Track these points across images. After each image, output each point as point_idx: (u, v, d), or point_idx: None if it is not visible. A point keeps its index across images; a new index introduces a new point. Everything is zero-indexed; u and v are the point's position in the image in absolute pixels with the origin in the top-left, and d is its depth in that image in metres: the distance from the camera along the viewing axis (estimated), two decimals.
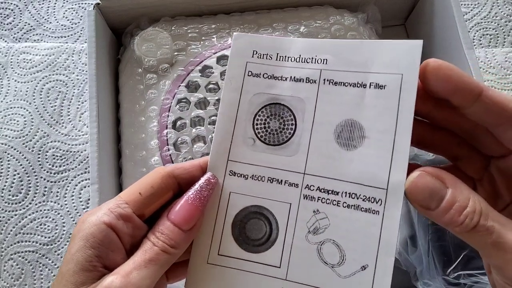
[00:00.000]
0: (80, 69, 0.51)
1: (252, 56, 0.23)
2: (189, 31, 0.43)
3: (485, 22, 0.53)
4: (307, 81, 0.22)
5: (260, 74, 0.23)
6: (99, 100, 0.39)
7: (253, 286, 0.22)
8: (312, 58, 0.22)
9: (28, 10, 0.54)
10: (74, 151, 0.48)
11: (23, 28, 0.54)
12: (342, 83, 0.22)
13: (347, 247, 0.21)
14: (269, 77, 0.23)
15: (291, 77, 0.23)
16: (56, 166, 0.47)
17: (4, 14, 0.54)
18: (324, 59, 0.22)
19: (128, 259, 0.21)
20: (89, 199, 0.44)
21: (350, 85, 0.22)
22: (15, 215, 0.46)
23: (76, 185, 0.47)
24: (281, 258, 0.22)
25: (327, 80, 0.22)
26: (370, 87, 0.22)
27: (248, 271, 0.22)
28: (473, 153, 0.23)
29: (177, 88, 0.40)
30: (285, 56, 0.23)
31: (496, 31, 0.53)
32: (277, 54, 0.23)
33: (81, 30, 0.53)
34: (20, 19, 0.54)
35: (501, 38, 0.53)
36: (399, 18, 0.52)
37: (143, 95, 0.41)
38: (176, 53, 0.42)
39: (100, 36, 0.42)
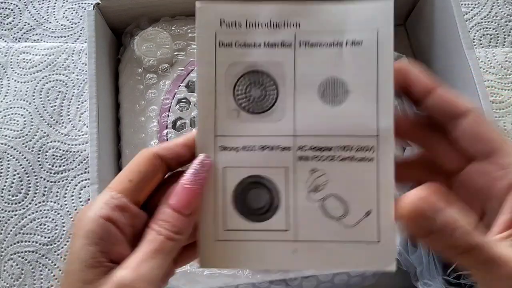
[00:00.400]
0: (80, 69, 0.51)
1: (220, 26, 0.23)
2: (189, 31, 0.43)
3: (485, 22, 0.53)
4: (282, 45, 0.22)
5: (231, 43, 0.23)
6: (99, 100, 0.39)
7: (266, 253, 0.22)
8: (284, 22, 0.22)
9: (28, 10, 0.54)
10: (74, 151, 0.48)
11: (23, 28, 0.54)
12: (319, 44, 0.22)
13: (349, 198, 0.22)
14: (242, 45, 0.22)
15: (264, 42, 0.22)
16: (56, 166, 0.47)
17: (4, 14, 0.54)
18: (296, 23, 0.22)
19: (132, 249, 0.21)
20: (89, 199, 0.44)
21: (327, 45, 0.22)
22: (15, 215, 0.46)
23: (76, 185, 0.47)
24: (287, 221, 0.22)
25: (303, 43, 0.22)
26: (346, 45, 0.22)
27: (258, 240, 0.22)
28: (435, 174, 0.23)
29: (177, 88, 0.40)
30: (255, 22, 0.22)
31: (496, 31, 0.53)
32: (246, 20, 0.22)
33: (81, 30, 0.53)
34: (20, 19, 0.54)
35: (501, 38, 0.53)
36: (399, 18, 0.52)
37: (143, 95, 0.41)
38: (176, 53, 0.42)
39: (100, 36, 0.42)
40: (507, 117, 0.49)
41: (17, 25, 0.54)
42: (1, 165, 0.47)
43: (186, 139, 0.23)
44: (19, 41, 0.53)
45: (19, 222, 0.45)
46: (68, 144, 0.48)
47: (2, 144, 0.48)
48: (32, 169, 0.47)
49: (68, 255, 0.21)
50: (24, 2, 0.55)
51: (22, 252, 0.44)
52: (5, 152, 0.48)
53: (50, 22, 0.54)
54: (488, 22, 0.53)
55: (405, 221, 0.20)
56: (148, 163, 0.22)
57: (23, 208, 0.46)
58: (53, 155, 0.48)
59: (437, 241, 0.19)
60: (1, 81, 0.51)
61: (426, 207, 0.19)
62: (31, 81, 0.51)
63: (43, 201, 0.46)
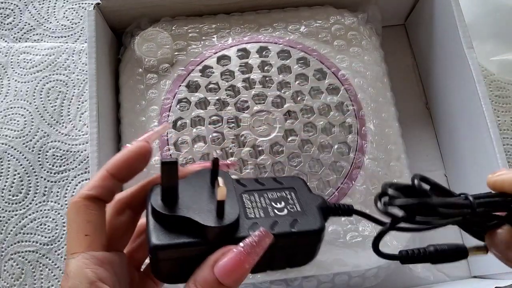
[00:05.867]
0: (80, 69, 0.51)
1: None
2: (189, 31, 0.43)
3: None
4: None
5: None
6: (99, 100, 0.39)
7: None
8: None
9: (28, 10, 0.54)
10: (74, 151, 0.48)
11: (23, 28, 0.54)
12: None
13: None
14: None
15: None
16: (56, 166, 0.47)
17: (4, 14, 0.54)
18: None
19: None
20: None
21: None
22: (15, 215, 0.46)
23: (77, 185, 0.47)
24: None
25: None
26: None
27: None
28: None
29: (178, 88, 0.40)
30: None
31: None
32: None
33: (81, 30, 0.53)
34: (20, 19, 0.54)
35: None
36: (399, 18, 0.52)
37: (143, 95, 0.41)
38: (176, 53, 0.42)
39: (100, 36, 0.42)
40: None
41: (18, 25, 0.54)
42: (2, 165, 0.47)
43: (107, 168, 0.22)
44: (19, 41, 0.53)
45: (20, 222, 0.45)
46: (69, 144, 0.48)
47: (2, 144, 0.48)
48: (33, 169, 0.47)
49: None
50: (25, 2, 0.55)
51: (22, 252, 0.44)
52: (6, 152, 0.48)
53: (50, 22, 0.54)
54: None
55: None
56: (88, 211, 0.22)
57: (24, 208, 0.46)
58: (54, 155, 0.48)
59: None
60: (2, 81, 0.51)
61: None
62: (32, 81, 0.51)
63: (44, 201, 0.46)
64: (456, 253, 0.23)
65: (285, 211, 0.24)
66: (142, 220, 0.25)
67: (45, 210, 0.46)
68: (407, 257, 0.23)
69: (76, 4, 0.55)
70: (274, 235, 0.21)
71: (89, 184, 0.22)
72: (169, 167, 0.21)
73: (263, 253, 0.21)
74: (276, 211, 0.24)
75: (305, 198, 0.25)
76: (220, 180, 0.22)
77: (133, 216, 0.24)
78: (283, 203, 0.24)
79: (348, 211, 0.26)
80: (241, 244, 0.20)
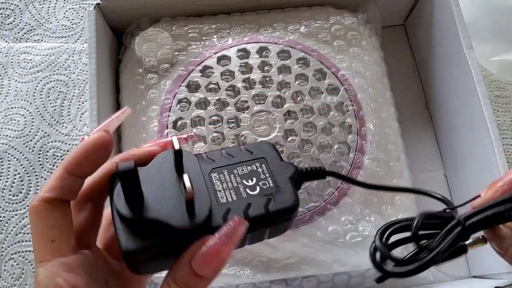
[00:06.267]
0: (80, 69, 0.51)
1: None
2: (189, 31, 0.43)
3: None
4: None
5: None
6: (99, 100, 0.39)
7: None
8: None
9: (28, 10, 0.54)
10: None
11: (23, 28, 0.54)
12: None
13: None
14: None
15: None
16: (57, 166, 0.47)
17: (5, 14, 0.54)
18: None
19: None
20: None
21: None
22: (16, 215, 0.46)
23: None
24: None
25: None
26: None
27: None
28: None
29: (178, 88, 0.40)
30: None
31: None
32: None
33: (81, 30, 0.53)
34: (21, 19, 0.54)
35: None
36: (399, 18, 0.52)
37: (143, 95, 0.41)
38: (176, 53, 0.42)
39: (101, 36, 0.42)
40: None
41: (18, 25, 0.54)
42: (2, 165, 0.47)
43: (64, 165, 0.21)
44: (20, 41, 0.53)
45: (20, 221, 0.45)
46: (69, 144, 0.48)
47: (3, 144, 0.48)
48: (33, 169, 0.47)
49: None
50: (25, 3, 0.55)
51: (23, 251, 0.44)
52: (6, 152, 0.48)
53: (50, 23, 0.54)
54: None
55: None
56: (50, 214, 0.20)
57: (24, 208, 0.46)
58: (54, 155, 0.48)
59: None
60: (2, 81, 0.51)
61: None
62: (32, 81, 0.51)
63: None
64: (456, 250, 0.23)
65: (258, 189, 0.23)
66: (107, 210, 0.23)
67: None
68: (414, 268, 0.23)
69: (76, 5, 0.55)
70: (248, 219, 0.21)
71: (46, 185, 0.21)
72: (127, 175, 0.20)
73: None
74: (248, 190, 0.23)
75: (276, 169, 0.24)
76: (186, 179, 0.20)
77: (96, 208, 0.23)
78: (254, 179, 0.23)
79: (320, 173, 0.26)
80: (216, 234, 0.20)
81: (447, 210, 0.24)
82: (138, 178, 0.20)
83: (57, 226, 0.20)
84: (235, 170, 0.24)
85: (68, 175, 0.21)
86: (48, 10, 0.54)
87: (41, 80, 0.51)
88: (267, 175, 0.24)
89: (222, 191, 0.23)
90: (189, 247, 0.20)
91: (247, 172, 0.24)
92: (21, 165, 0.47)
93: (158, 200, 0.21)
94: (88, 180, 0.22)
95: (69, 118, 0.49)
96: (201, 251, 0.19)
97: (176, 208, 0.21)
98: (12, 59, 0.52)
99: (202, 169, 0.23)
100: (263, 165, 0.24)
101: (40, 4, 0.55)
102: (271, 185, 0.23)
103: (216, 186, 0.23)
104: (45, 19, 0.54)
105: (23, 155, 0.48)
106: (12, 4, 0.55)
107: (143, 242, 0.20)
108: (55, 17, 0.54)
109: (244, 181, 0.23)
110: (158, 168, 0.22)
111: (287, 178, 0.24)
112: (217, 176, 0.23)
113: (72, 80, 0.51)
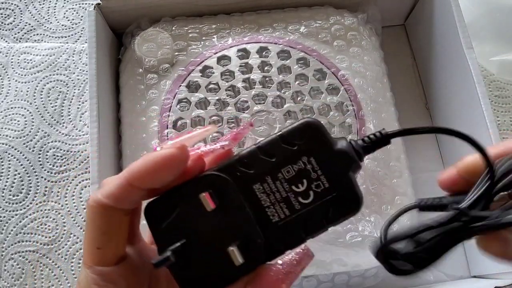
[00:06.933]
0: (80, 69, 0.51)
1: None
2: (189, 31, 0.43)
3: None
4: None
5: None
6: (99, 100, 0.39)
7: None
8: None
9: (28, 10, 0.54)
10: (75, 151, 0.48)
11: (23, 28, 0.54)
12: None
13: None
14: None
15: None
16: (57, 166, 0.47)
17: (5, 14, 0.54)
18: None
19: None
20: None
21: None
22: (16, 215, 0.46)
23: (77, 185, 0.47)
24: None
25: None
26: None
27: None
28: None
29: (178, 88, 0.40)
30: None
31: None
32: None
33: (81, 30, 0.53)
34: (21, 19, 0.54)
35: None
36: (399, 18, 0.52)
37: (143, 95, 0.41)
38: (176, 53, 0.42)
39: (101, 36, 0.42)
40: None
41: (18, 25, 0.54)
42: (2, 165, 0.47)
43: (127, 176, 0.19)
44: (20, 41, 0.53)
45: (20, 221, 0.45)
46: (69, 144, 0.48)
47: (3, 144, 0.48)
48: (33, 169, 0.47)
49: None
50: (25, 3, 0.55)
51: (23, 251, 0.44)
52: (6, 152, 0.48)
53: (50, 23, 0.54)
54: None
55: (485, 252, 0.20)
56: (104, 220, 0.19)
57: (24, 208, 0.46)
58: (54, 155, 0.48)
59: None
60: (2, 81, 0.51)
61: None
62: (32, 81, 0.51)
63: (44, 201, 0.46)
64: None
65: (311, 196, 0.19)
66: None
67: (45, 210, 0.46)
68: (423, 262, 0.20)
69: (76, 5, 0.55)
70: (308, 237, 0.19)
71: (105, 189, 0.19)
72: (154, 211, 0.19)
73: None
74: (301, 199, 0.19)
75: (328, 160, 0.20)
76: (233, 250, 0.18)
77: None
78: (305, 182, 0.19)
79: (383, 139, 0.21)
80: (279, 261, 0.18)
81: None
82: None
83: (108, 234, 0.19)
84: (280, 175, 0.20)
85: (129, 187, 0.19)
86: (48, 10, 0.54)
87: (41, 80, 0.51)
88: (319, 172, 0.20)
89: (271, 207, 0.19)
90: (249, 274, 0.19)
91: (294, 173, 0.20)
92: (21, 165, 0.47)
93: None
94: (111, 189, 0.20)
95: (69, 118, 0.49)
96: (262, 280, 0.18)
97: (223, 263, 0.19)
98: (12, 59, 0.52)
99: (242, 189, 0.19)
100: (311, 159, 0.20)
101: (40, 4, 0.55)
102: (326, 185, 0.19)
103: (262, 201, 0.19)
104: (45, 19, 0.54)
105: (23, 155, 0.48)
106: (12, 4, 0.55)
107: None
108: (55, 17, 0.54)
109: (293, 187, 0.20)
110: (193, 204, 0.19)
111: (344, 168, 0.20)
112: (261, 188, 0.19)
113: (72, 80, 0.51)
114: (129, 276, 0.20)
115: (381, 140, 0.21)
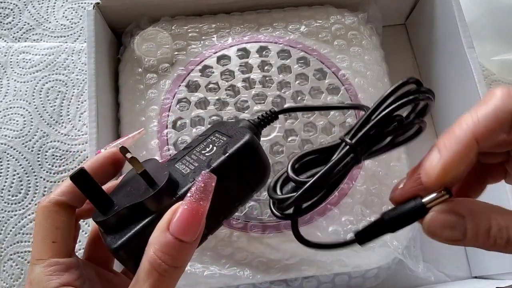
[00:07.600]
0: (79, 69, 0.51)
1: None
2: (189, 30, 0.43)
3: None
4: None
5: None
6: (98, 100, 0.38)
7: None
8: None
9: (27, 10, 0.54)
10: (74, 151, 0.48)
11: (22, 27, 0.53)
12: None
13: None
14: None
15: None
16: (56, 166, 0.47)
17: (4, 14, 0.54)
18: None
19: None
20: None
21: None
22: (15, 215, 0.45)
23: None
24: None
25: None
26: None
27: None
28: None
29: (177, 88, 0.40)
30: None
31: None
32: None
33: (80, 30, 0.53)
34: (20, 19, 0.54)
35: None
36: (400, 17, 0.52)
37: (143, 95, 0.41)
38: (176, 53, 0.42)
39: (100, 35, 0.42)
40: None
41: (17, 24, 0.54)
42: (1, 165, 0.47)
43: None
44: (19, 40, 0.53)
45: (19, 222, 0.45)
46: (68, 144, 0.48)
47: (2, 144, 0.48)
48: (32, 169, 0.47)
49: None
50: (24, 2, 0.55)
51: (22, 252, 0.44)
52: (5, 152, 0.47)
53: (50, 22, 0.54)
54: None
55: (433, 234, 0.20)
56: (58, 217, 0.22)
57: (23, 208, 0.46)
58: (53, 155, 0.48)
59: (473, 243, 0.20)
60: (1, 81, 0.51)
61: (452, 217, 0.20)
62: (31, 81, 0.51)
63: None
64: (415, 212, 0.21)
65: (214, 148, 0.24)
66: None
67: None
68: (364, 235, 0.22)
69: (75, 4, 0.55)
70: (214, 171, 0.22)
71: (59, 189, 0.22)
72: (79, 178, 0.21)
73: (215, 195, 0.20)
74: (207, 153, 0.24)
75: (229, 129, 0.26)
76: (128, 154, 0.22)
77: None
78: (211, 146, 0.25)
79: (272, 116, 0.29)
80: (188, 194, 0.19)
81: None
82: (90, 177, 0.22)
83: (61, 229, 0.22)
84: (194, 151, 0.25)
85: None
86: (47, 9, 0.54)
87: (40, 80, 0.51)
88: (221, 136, 0.25)
89: (186, 167, 0.24)
90: (164, 216, 0.20)
91: (204, 145, 0.25)
92: (20, 165, 0.47)
93: (123, 197, 0.22)
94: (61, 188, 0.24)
95: (68, 118, 0.49)
96: (177, 215, 0.19)
97: (139, 190, 0.22)
98: (11, 58, 0.52)
99: (166, 165, 0.25)
100: (216, 133, 0.26)
101: (39, 4, 0.54)
102: (225, 139, 0.25)
103: (180, 169, 0.24)
104: (44, 19, 0.54)
105: (22, 155, 0.47)
106: (11, 3, 0.54)
107: (125, 233, 0.21)
108: (54, 17, 0.54)
109: (202, 151, 0.25)
110: (124, 181, 0.25)
111: (239, 127, 0.25)
112: (180, 163, 0.25)
113: (71, 80, 0.51)
114: (80, 269, 0.22)
115: (271, 116, 0.29)
